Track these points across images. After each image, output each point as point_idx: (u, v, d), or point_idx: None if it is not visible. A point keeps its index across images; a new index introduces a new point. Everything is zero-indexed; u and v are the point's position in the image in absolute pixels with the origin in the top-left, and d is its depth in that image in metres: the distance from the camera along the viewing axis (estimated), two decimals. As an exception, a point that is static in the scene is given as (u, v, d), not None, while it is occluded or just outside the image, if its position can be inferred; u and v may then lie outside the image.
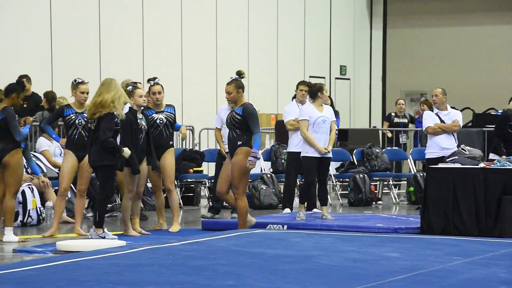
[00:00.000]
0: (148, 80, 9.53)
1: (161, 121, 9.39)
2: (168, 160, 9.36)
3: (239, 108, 8.59)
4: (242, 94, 8.67)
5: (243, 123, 8.56)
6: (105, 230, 8.52)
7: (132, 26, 15.64)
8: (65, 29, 14.33)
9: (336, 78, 21.08)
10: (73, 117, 9.15)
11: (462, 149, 9.35)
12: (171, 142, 9.46)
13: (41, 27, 14.01)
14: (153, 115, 9.37)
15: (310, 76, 19.48)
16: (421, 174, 13.08)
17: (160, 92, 9.40)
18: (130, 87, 9.00)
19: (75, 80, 9.25)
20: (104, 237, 8.45)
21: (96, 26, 14.93)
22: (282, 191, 12.06)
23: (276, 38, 19.18)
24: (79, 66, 14.19)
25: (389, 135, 16.12)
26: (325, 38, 20.59)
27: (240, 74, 8.75)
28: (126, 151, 8.46)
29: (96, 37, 14.85)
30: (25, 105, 11.53)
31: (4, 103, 8.72)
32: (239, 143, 8.52)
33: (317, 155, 9.61)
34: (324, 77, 20.45)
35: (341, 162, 13.82)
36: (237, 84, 8.62)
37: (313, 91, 9.84)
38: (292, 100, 11.32)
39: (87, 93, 9.19)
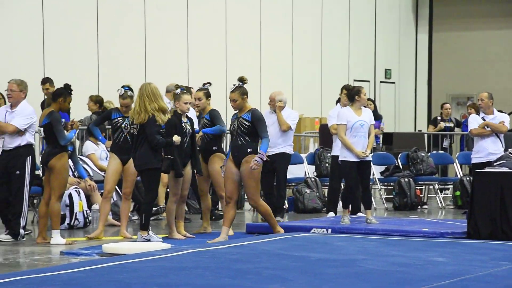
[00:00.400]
0: (204, 84, 9.61)
1: (201, 127, 9.44)
2: (215, 166, 9.40)
3: (247, 114, 8.46)
4: (247, 100, 8.57)
5: (252, 129, 8.44)
6: (150, 232, 8.58)
7: (176, 31, 15.75)
8: (111, 34, 14.50)
9: (381, 82, 20.95)
10: (120, 121, 9.25)
11: (510, 153, 9.23)
12: (214, 148, 9.44)
13: (88, 33, 14.19)
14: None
15: (355, 80, 19.40)
16: (468, 178, 12.94)
17: (200, 99, 9.44)
18: (178, 90, 9.00)
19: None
20: (149, 240, 8.52)
21: (142, 31, 15.07)
22: (326, 194, 12.04)
23: (321, 41, 19.14)
24: (125, 70, 14.35)
25: (442, 126, 16.12)
26: (370, 41, 20.49)
27: (242, 80, 8.71)
28: (177, 139, 8.61)
29: (142, 42, 14.99)
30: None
31: (51, 107, 8.85)
32: (248, 150, 8.39)
33: (355, 159, 9.56)
34: (368, 81, 20.34)
35: (386, 166, 13.73)
36: (241, 91, 8.53)
37: (350, 94, 9.80)
38: (337, 104, 11.28)
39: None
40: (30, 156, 8.97)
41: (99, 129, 9.62)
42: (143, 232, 8.56)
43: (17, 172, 8.90)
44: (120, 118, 9.25)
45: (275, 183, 10.91)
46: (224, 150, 10.51)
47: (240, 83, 8.59)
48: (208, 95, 9.48)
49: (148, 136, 8.48)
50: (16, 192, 8.91)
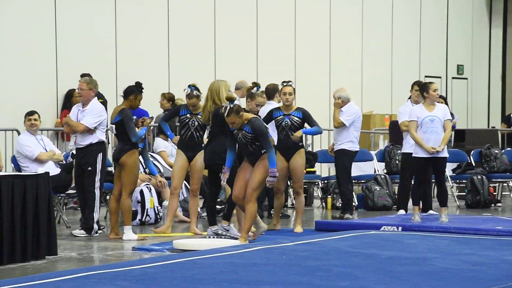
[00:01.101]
0: (282, 82, 9.59)
1: (286, 124, 9.36)
2: (299, 162, 9.36)
3: (246, 126, 8.06)
4: (243, 114, 8.09)
5: (257, 138, 8.11)
6: (231, 225, 8.62)
7: (246, 30, 15.80)
8: (182, 33, 14.64)
9: (453, 78, 20.61)
10: (188, 117, 9.32)
11: None
12: (300, 143, 9.42)
13: (159, 32, 14.36)
14: (280, 117, 9.38)
15: (426, 76, 19.14)
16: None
17: (290, 93, 9.38)
18: (255, 89, 8.94)
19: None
20: (228, 230, 8.50)
21: (212, 30, 15.17)
22: (396, 192, 11.90)
23: (391, 37, 18.94)
24: (195, 69, 14.47)
25: None
26: (441, 36, 20.18)
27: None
28: None
29: (212, 40, 15.09)
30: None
31: (122, 105, 8.98)
32: (263, 151, 8.07)
33: (427, 156, 9.42)
34: (440, 77, 20.04)
35: (457, 163, 13.51)
36: (235, 110, 8.01)
37: (420, 91, 9.72)
38: (407, 100, 11.14)
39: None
40: (101, 153, 9.14)
41: (168, 125, 9.70)
42: (224, 222, 8.57)
43: (89, 168, 9.08)
44: (188, 115, 9.32)
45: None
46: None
47: (230, 103, 8.04)
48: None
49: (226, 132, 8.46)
50: (88, 188, 9.08)
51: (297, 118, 9.35)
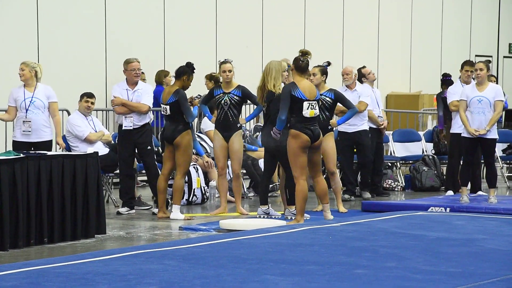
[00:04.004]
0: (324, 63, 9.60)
1: (322, 104, 9.39)
2: (330, 143, 9.40)
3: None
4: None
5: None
6: (270, 206, 8.70)
7: (293, 6, 15.75)
8: (229, 16, 14.65)
9: (504, 57, 20.26)
10: (221, 96, 9.32)
11: None
12: (329, 127, 9.44)
13: (207, 19, 14.39)
14: (321, 96, 9.37)
15: (476, 55, 18.86)
16: None
17: (315, 74, 9.37)
18: (287, 67, 9.01)
19: (220, 60, 9.40)
20: (268, 213, 8.61)
21: (260, 5, 15.15)
22: (444, 173, 11.79)
23: (441, 16, 18.68)
24: (242, 48, 14.48)
25: None
26: (493, 15, 19.83)
27: (305, 53, 8.39)
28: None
29: (260, 20, 15.08)
30: None
31: (175, 85, 9.01)
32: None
33: (474, 136, 9.32)
34: (491, 56, 19.72)
35: (508, 144, 13.32)
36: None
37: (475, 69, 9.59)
38: (457, 80, 10.99)
39: (229, 71, 9.28)
40: (151, 132, 9.31)
41: (208, 106, 9.72)
42: (263, 206, 8.69)
43: (148, 147, 9.29)
44: (221, 94, 9.31)
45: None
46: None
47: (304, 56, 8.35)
48: (323, 72, 9.43)
49: (273, 113, 8.51)
50: (153, 166, 9.30)
51: (328, 99, 9.36)
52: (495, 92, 9.44)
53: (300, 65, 8.18)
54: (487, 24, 19.66)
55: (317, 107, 8.17)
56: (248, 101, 9.53)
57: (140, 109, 9.24)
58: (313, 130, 8.13)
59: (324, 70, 9.43)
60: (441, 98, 11.21)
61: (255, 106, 9.49)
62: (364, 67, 11.29)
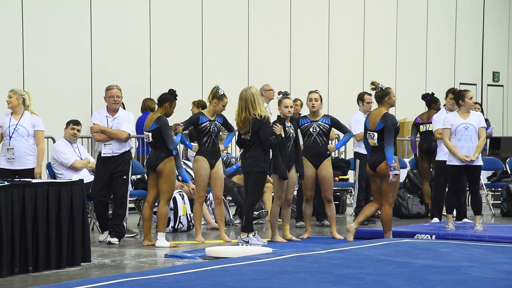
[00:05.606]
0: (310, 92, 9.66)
1: (314, 130, 9.44)
2: (330, 170, 9.44)
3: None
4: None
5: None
6: (250, 235, 8.67)
7: (279, 34, 15.82)
8: (214, 41, 14.69)
9: (489, 85, 20.42)
10: (207, 125, 9.31)
11: None
12: (328, 152, 9.49)
13: (193, 39, 14.42)
14: (307, 124, 9.48)
15: (461, 83, 18.98)
16: None
17: (317, 99, 9.46)
18: (280, 96, 9.12)
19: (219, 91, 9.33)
20: (247, 242, 8.58)
21: (245, 33, 15.21)
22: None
23: (425, 44, 18.83)
24: (228, 75, 14.51)
25: None
26: (477, 43, 20.01)
27: (374, 85, 8.92)
28: (278, 128, 8.75)
29: (245, 47, 15.13)
30: None
31: (158, 112, 9.02)
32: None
33: (461, 164, 9.35)
34: (475, 84, 19.86)
35: (493, 171, 13.38)
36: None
37: (455, 99, 9.68)
38: (442, 108, 11.05)
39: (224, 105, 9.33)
40: (131, 161, 9.25)
41: (190, 133, 9.71)
42: (242, 234, 8.67)
43: (124, 177, 9.14)
44: (207, 122, 9.31)
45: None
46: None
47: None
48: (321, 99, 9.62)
49: (263, 139, 8.64)
50: (121, 197, 9.14)
51: (326, 125, 9.50)
52: (479, 119, 9.53)
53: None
54: (471, 52, 19.83)
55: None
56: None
57: (119, 136, 9.16)
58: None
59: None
60: (415, 124, 11.52)
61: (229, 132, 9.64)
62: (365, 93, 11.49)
